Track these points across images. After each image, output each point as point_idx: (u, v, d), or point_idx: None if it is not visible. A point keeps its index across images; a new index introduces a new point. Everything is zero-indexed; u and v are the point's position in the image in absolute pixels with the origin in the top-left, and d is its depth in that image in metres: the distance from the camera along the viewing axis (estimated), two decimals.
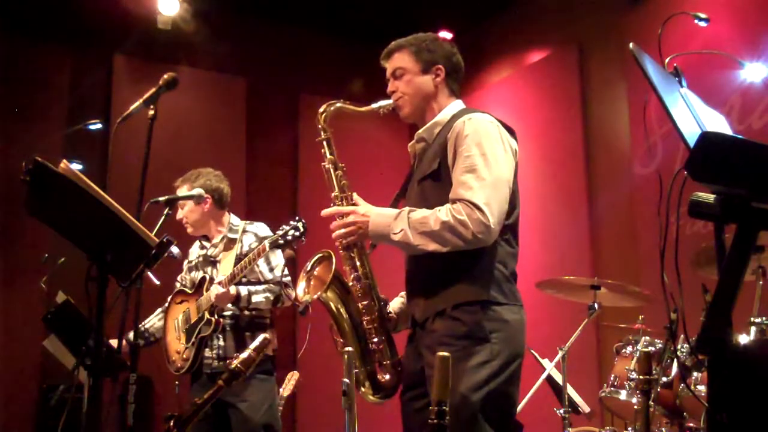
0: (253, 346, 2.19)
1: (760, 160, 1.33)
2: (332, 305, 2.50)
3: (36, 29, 5.89)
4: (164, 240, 2.08)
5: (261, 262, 3.58)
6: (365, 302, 2.51)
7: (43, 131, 5.70)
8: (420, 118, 2.62)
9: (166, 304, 3.87)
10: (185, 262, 3.92)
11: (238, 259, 3.63)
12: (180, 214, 3.76)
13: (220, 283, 3.48)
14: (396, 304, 2.65)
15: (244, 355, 2.14)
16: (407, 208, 2.42)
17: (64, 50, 6.10)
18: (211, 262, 3.77)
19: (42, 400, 5.40)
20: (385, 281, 2.61)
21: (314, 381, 5.58)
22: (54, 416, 5.06)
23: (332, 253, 2.55)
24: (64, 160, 2.03)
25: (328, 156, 2.60)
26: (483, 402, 2.27)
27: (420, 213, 2.37)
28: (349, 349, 2.24)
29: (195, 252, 3.89)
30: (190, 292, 3.74)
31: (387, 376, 2.51)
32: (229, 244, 3.73)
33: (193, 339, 3.58)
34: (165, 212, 3.36)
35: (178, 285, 3.90)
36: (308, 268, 2.60)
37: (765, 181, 1.33)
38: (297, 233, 3.39)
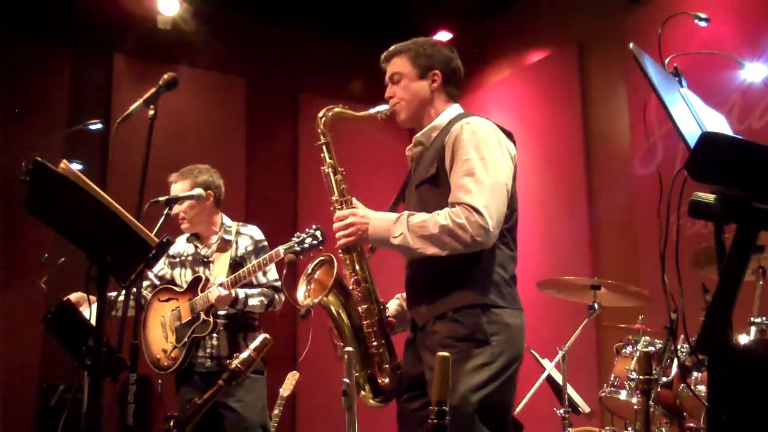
0: (253, 346, 2.19)
1: (760, 161, 1.33)
2: (333, 309, 2.48)
3: (36, 29, 5.88)
4: (164, 240, 2.08)
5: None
6: (365, 306, 2.49)
7: (43, 131, 5.69)
8: (417, 123, 2.62)
9: (147, 295, 3.75)
10: (164, 258, 3.79)
11: (233, 261, 3.61)
12: (176, 209, 3.69)
13: (221, 285, 3.45)
14: (393, 305, 2.64)
15: (244, 355, 2.14)
16: (407, 212, 2.41)
17: (64, 50, 6.09)
18: (204, 261, 3.73)
19: (42, 400, 5.40)
20: (383, 284, 2.59)
21: (314, 381, 5.58)
22: (54, 416, 5.07)
23: (333, 257, 2.53)
24: (64, 160, 2.02)
25: (328, 160, 2.58)
26: (481, 404, 2.27)
27: (419, 217, 2.37)
28: (350, 349, 2.23)
29: (181, 248, 3.81)
30: (178, 290, 3.70)
31: (386, 380, 2.50)
32: (223, 245, 3.70)
33: (185, 339, 3.55)
34: (165, 212, 3.36)
35: (151, 279, 3.74)
36: (309, 272, 2.57)
37: (765, 181, 1.33)
38: (315, 242, 3.35)
